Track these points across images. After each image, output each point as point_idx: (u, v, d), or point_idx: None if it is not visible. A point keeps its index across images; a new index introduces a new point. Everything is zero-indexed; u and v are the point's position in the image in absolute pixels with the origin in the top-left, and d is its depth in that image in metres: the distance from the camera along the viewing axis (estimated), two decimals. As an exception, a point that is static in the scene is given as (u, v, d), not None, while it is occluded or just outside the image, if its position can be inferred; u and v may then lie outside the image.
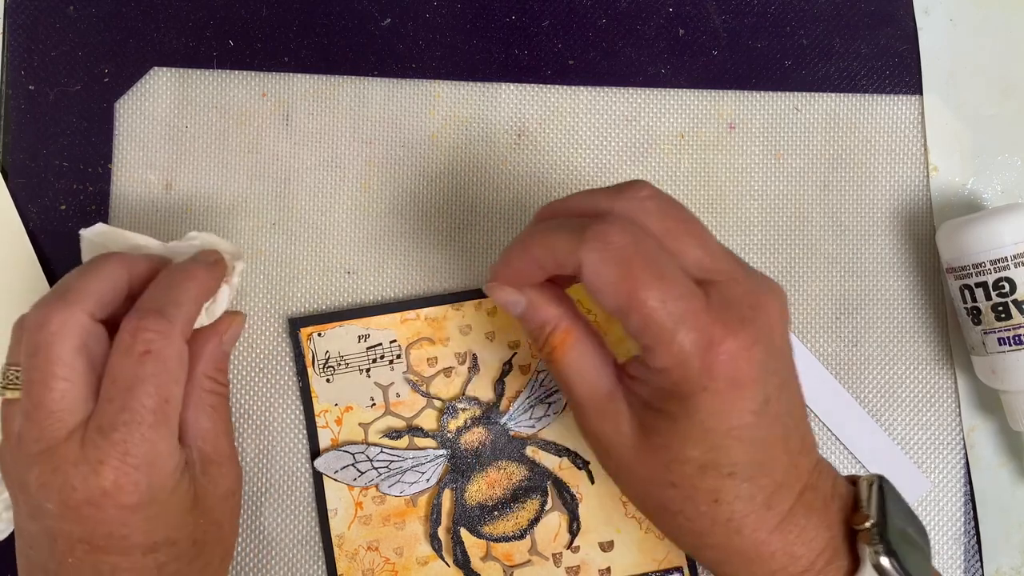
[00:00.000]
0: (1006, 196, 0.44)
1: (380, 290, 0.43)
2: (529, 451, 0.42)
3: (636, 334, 0.30)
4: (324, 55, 0.44)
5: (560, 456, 0.42)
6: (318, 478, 0.42)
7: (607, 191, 0.32)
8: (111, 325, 0.33)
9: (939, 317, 0.44)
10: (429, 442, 0.42)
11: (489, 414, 0.42)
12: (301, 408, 0.42)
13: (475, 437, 0.42)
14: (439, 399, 0.42)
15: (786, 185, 0.44)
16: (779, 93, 0.44)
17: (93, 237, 0.38)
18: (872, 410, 0.43)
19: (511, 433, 0.42)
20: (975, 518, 0.43)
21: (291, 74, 0.44)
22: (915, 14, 0.44)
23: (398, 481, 0.41)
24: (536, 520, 0.42)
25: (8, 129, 0.43)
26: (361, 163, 0.44)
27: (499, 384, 0.42)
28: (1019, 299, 0.38)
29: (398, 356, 0.42)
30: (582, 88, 0.44)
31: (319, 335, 0.42)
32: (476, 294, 0.42)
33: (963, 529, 0.43)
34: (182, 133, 0.43)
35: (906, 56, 0.44)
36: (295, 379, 0.42)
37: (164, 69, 0.44)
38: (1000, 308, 0.39)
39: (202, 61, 0.44)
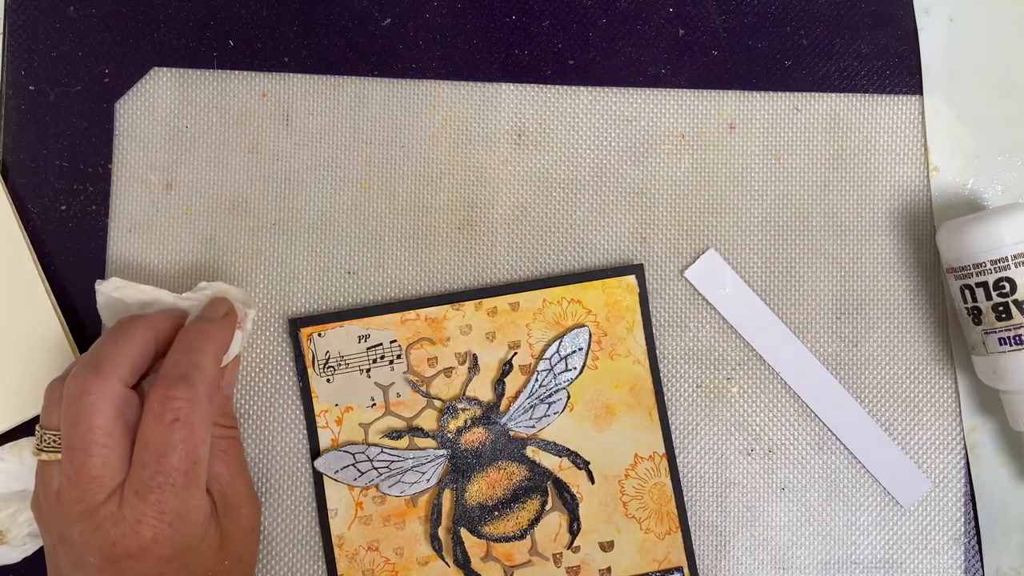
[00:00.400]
0: (1006, 196, 0.44)
1: (380, 290, 0.43)
2: (529, 451, 0.42)
3: None
4: (324, 55, 0.44)
5: (560, 456, 0.42)
6: (318, 478, 0.42)
7: None
8: (140, 386, 0.36)
9: (939, 317, 0.44)
10: (429, 442, 0.42)
11: (489, 414, 0.42)
12: (301, 408, 0.42)
13: (475, 437, 0.42)
14: (439, 399, 0.42)
15: (786, 185, 0.44)
16: (779, 93, 0.44)
17: (109, 292, 0.38)
18: (872, 410, 0.43)
19: (511, 433, 0.42)
20: (975, 518, 0.43)
21: (291, 74, 0.44)
22: (915, 14, 0.44)
23: (398, 481, 0.41)
24: (536, 520, 0.42)
25: (8, 129, 0.43)
26: (361, 163, 0.44)
27: (499, 384, 0.42)
28: (1019, 299, 0.38)
29: (398, 356, 0.42)
30: (582, 88, 0.44)
31: (319, 335, 0.42)
32: (476, 294, 0.42)
33: (963, 529, 0.43)
34: (182, 133, 0.43)
35: (907, 56, 0.44)
36: (295, 379, 0.42)
37: (164, 69, 0.44)
38: (1000, 308, 0.39)
39: (202, 61, 0.44)
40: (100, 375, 0.33)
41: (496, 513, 0.42)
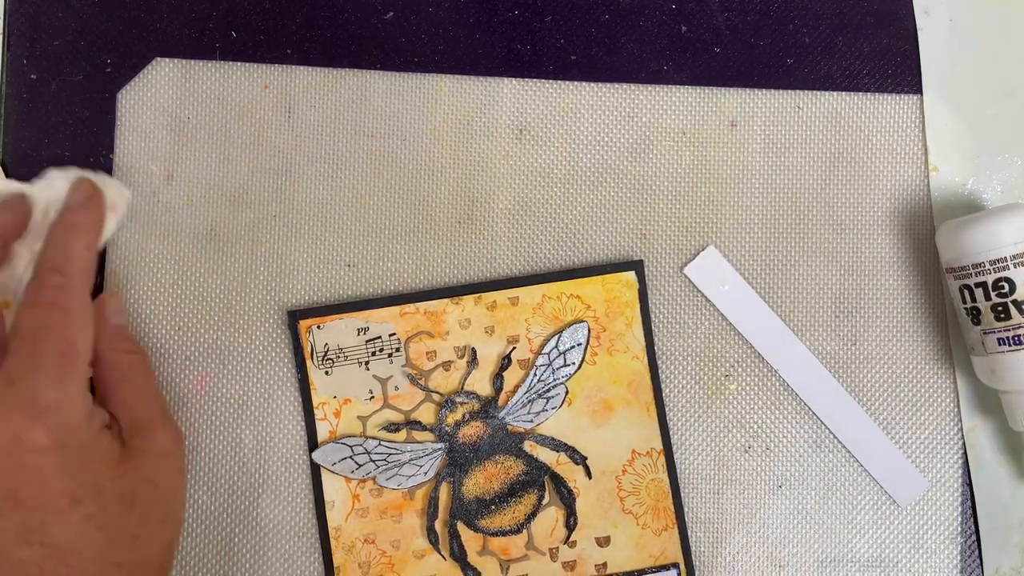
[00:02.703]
0: (1006, 196, 0.44)
1: (380, 283, 0.43)
2: (527, 446, 0.42)
3: None
4: (327, 48, 0.44)
5: (558, 451, 0.42)
6: (316, 470, 0.42)
7: None
8: None
9: (938, 317, 0.44)
10: (427, 436, 0.42)
11: (487, 408, 0.42)
12: (300, 400, 0.42)
13: (473, 431, 0.42)
14: (438, 393, 0.42)
15: (787, 183, 0.44)
16: (781, 91, 0.44)
17: None
18: (870, 409, 0.43)
19: (509, 428, 0.42)
20: (975, 518, 0.43)
21: (294, 67, 0.44)
22: (915, 14, 0.44)
23: (396, 474, 0.41)
24: (533, 515, 0.42)
25: (9, 119, 0.43)
26: (363, 156, 0.44)
27: (497, 379, 0.42)
28: (1019, 299, 0.38)
29: (397, 349, 0.42)
30: (584, 84, 0.44)
31: (318, 327, 0.42)
32: (475, 288, 0.43)
33: (960, 529, 0.43)
34: (184, 124, 0.44)
35: (909, 55, 0.44)
36: (294, 371, 0.42)
37: (167, 60, 0.44)
38: (999, 308, 0.39)
39: (205, 52, 0.44)
40: None
41: (493, 507, 0.42)
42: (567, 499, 0.42)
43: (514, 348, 0.42)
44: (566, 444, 0.42)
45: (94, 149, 0.43)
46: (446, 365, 0.42)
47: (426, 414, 0.42)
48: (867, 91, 0.44)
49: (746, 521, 0.43)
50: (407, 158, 0.44)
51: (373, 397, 0.42)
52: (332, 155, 0.44)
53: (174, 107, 0.44)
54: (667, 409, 0.43)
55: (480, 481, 0.42)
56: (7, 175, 0.43)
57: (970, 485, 0.43)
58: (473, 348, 0.42)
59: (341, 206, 0.43)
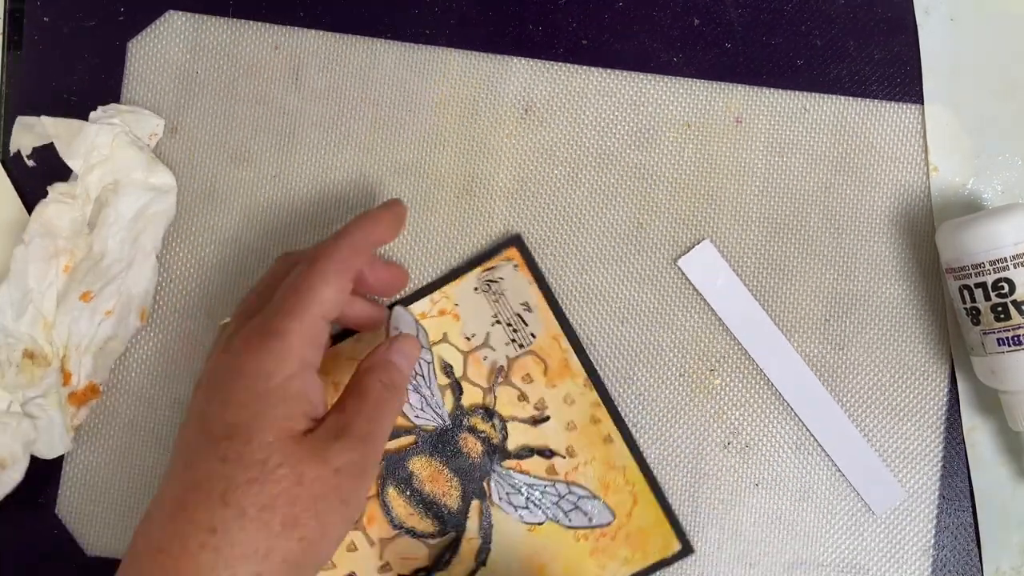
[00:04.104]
0: (1006, 196, 0.44)
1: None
2: (489, 502, 0.42)
3: None
4: (339, 14, 0.44)
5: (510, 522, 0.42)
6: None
7: None
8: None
9: (930, 323, 0.43)
10: (448, 402, 0.42)
11: (495, 447, 0.42)
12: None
13: (470, 444, 0.42)
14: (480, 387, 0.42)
15: (787, 183, 0.44)
16: (788, 91, 0.44)
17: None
18: (853, 414, 0.43)
19: (492, 477, 0.42)
20: (975, 518, 0.43)
21: (305, 29, 0.44)
22: (915, 13, 0.44)
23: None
24: (442, 557, 0.42)
25: (20, 61, 0.44)
26: (367, 124, 0.44)
27: (527, 450, 0.42)
28: (1018, 300, 0.38)
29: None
30: (593, 69, 0.44)
31: None
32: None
33: (933, 541, 0.43)
34: (192, 79, 0.44)
35: (919, 65, 0.44)
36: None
37: (179, 13, 0.44)
38: (999, 309, 0.39)
39: (217, 8, 0.44)
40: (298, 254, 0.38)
41: (415, 500, 0.42)
42: (482, 552, 0.42)
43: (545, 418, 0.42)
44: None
45: (101, 96, 0.43)
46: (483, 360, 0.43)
47: (464, 397, 0.42)
48: (875, 98, 0.44)
49: (720, 517, 0.43)
50: (411, 129, 0.44)
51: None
52: (336, 120, 0.44)
53: (183, 61, 0.44)
54: (648, 398, 0.43)
55: (428, 471, 0.42)
56: (7, 173, 0.43)
57: (970, 485, 0.43)
58: (501, 366, 0.42)
59: (341, 172, 0.43)
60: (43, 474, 0.42)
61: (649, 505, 0.42)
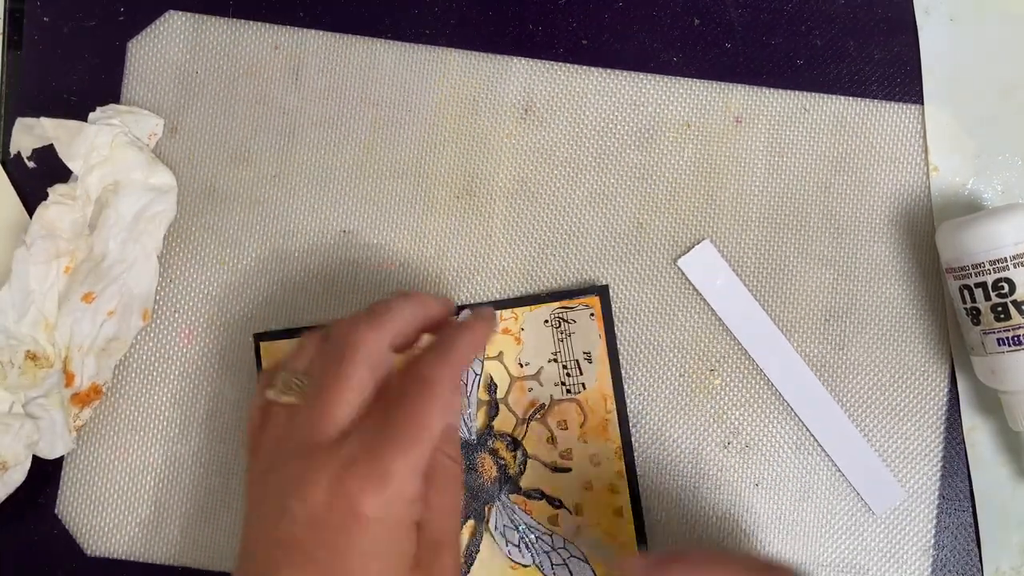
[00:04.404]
0: (1006, 196, 0.44)
1: (373, 251, 0.43)
2: (484, 527, 0.42)
3: None
4: (339, 14, 0.44)
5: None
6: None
7: None
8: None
9: (934, 322, 0.43)
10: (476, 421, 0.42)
11: (509, 475, 0.42)
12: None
13: (487, 465, 0.42)
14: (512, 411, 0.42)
15: (787, 184, 0.44)
16: (788, 91, 0.44)
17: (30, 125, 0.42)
18: (853, 414, 0.43)
19: (496, 505, 0.42)
20: (975, 518, 0.43)
21: (305, 29, 0.44)
22: (915, 14, 0.44)
23: None
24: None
25: (19, 61, 0.44)
26: (367, 124, 0.44)
27: (538, 492, 0.42)
28: (1018, 299, 0.38)
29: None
30: (593, 69, 0.44)
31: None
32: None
33: (933, 542, 0.43)
34: (192, 79, 0.44)
35: (919, 65, 0.44)
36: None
37: (179, 13, 0.44)
38: (999, 308, 0.39)
39: (217, 8, 0.44)
40: (372, 327, 0.34)
41: None
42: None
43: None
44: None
45: (101, 96, 0.43)
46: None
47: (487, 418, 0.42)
48: (875, 98, 0.44)
49: (720, 517, 0.43)
50: (410, 129, 0.44)
51: None
52: (336, 120, 0.44)
53: (183, 60, 0.44)
54: (648, 399, 0.43)
55: None
56: (8, 174, 0.43)
57: (970, 485, 0.43)
58: (542, 403, 0.42)
59: (341, 171, 0.43)
60: (43, 474, 0.42)
61: None
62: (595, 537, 0.42)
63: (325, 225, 0.43)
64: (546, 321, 0.42)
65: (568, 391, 0.42)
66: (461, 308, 0.42)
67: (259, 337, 0.42)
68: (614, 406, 0.42)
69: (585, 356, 0.42)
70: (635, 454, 0.42)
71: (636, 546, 0.42)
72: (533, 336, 0.42)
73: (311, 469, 0.31)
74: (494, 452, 0.42)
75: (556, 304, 0.42)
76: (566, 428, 0.42)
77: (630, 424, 0.43)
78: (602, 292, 0.42)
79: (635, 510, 0.42)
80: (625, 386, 0.43)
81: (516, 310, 0.42)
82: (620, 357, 0.43)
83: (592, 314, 0.42)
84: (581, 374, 0.42)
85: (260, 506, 0.33)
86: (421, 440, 0.32)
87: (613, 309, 0.43)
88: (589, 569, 0.41)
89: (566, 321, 0.42)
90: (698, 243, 0.43)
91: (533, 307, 0.42)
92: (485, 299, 0.43)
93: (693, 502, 0.43)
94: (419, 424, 0.32)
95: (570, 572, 0.41)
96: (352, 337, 0.33)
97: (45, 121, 0.41)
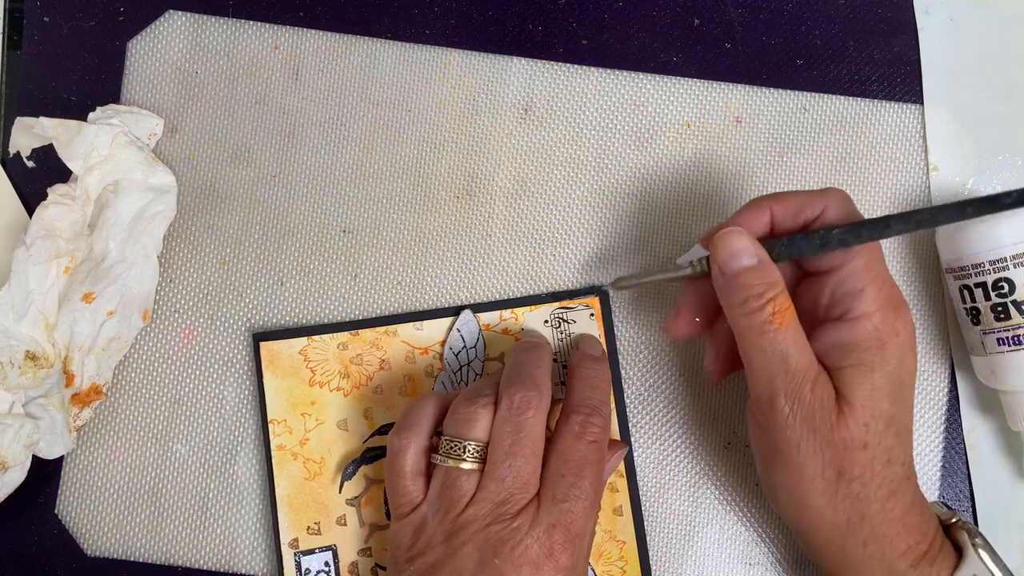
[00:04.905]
0: (1006, 197, 0.44)
1: (374, 251, 0.43)
2: None
3: (849, 281, 0.34)
4: (339, 13, 0.44)
5: None
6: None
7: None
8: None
9: (935, 320, 0.43)
10: None
11: None
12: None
13: None
14: None
15: (787, 183, 0.44)
16: (788, 91, 0.44)
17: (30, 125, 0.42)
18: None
19: None
20: (975, 518, 0.43)
21: (305, 29, 0.44)
22: (915, 14, 0.44)
23: None
24: None
25: (18, 65, 0.44)
26: (367, 124, 0.44)
27: None
28: (1018, 299, 0.38)
29: None
30: (593, 69, 0.44)
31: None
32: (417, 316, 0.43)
33: (933, 541, 0.43)
34: (192, 79, 0.44)
35: (919, 65, 0.44)
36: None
37: (179, 13, 0.44)
38: (999, 308, 0.39)
39: (217, 8, 0.44)
40: (539, 394, 0.36)
41: None
42: None
43: None
44: None
45: (101, 96, 0.43)
46: None
47: None
48: (875, 98, 0.44)
49: (720, 516, 0.43)
50: (410, 129, 0.44)
51: None
52: (336, 120, 0.44)
53: (183, 60, 0.44)
54: (648, 398, 0.43)
55: None
56: (7, 171, 0.43)
57: (970, 485, 0.43)
58: None
59: (341, 171, 0.43)
60: (43, 474, 0.42)
61: None
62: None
63: (325, 225, 0.43)
64: (546, 321, 0.42)
65: None
66: (461, 308, 0.42)
67: (259, 337, 0.42)
68: (614, 406, 0.42)
69: None
70: (635, 454, 0.42)
71: (636, 544, 0.42)
72: (537, 332, 0.42)
73: (517, 535, 0.34)
74: None
75: (556, 304, 0.42)
76: None
77: (630, 424, 0.42)
78: (601, 293, 0.43)
79: (635, 509, 0.42)
80: (625, 386, 0.43)
81: (516, 310, 0.42)
82: (620, 357, 0.43)
83: (592, 314, 0.42)
84: None
85: (458, 563, 0.34)
86: (597, 500, 0.36)
87: (613, 309, 0.43)
88: (589, 568, 0.41)
89: (566, 321, 0.42)
90: (697, 242, 0.43)
91: (533, 307, 0.42)
92: (485, 299, 0.43)
93: (693, 502, 0.43)
94: (594, 485, 0.35)
95: None
96: (525, 405, 0.36)
97: (44, 120, 0.41)
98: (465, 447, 0.36)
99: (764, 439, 0.36)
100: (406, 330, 0.42)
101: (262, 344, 0.42)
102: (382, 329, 0.42)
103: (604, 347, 0.42)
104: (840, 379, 0.34)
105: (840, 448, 0.33)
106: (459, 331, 0.42)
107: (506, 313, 0.42)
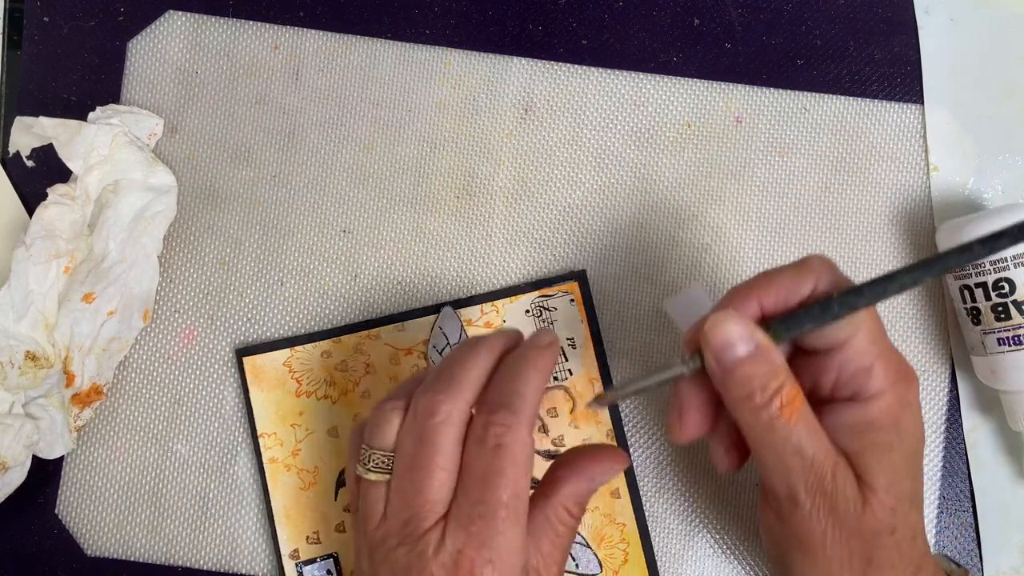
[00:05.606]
0: (1006, 196, 0.44)
1: (374, 251, 0.43)
2: None
3: (856, 359, 0.32)
4: (339, 13, 0.44)
5: None
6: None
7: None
8: None
9: (935, 320, 0.43)
10: None
11: None
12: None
13: None
14: None
15: (787, 183, 0.44)
16: (788, 91, 0.44)
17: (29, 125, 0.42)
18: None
19: None
20: (975, 518, 0.43)
21: (305, 29, 0.44)
22: (915, 14, 0.44)
23: None
24: None
25: (18, 66, 0.44)
26: (367, 124, 0.44)
27: (533, 480, 0.41)
28: (1018, 299, 0.38)
29: None
30: (593, 69, 0.44)
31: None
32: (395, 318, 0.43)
33: (933, 542, 0.43)
34: (192, 79, 0.44)
35: (919, 65, 0.44)
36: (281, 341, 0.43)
37: (179, 13, 0.44)
38: (1000, 308, 0.39)
39: (217, 8, 0.44)
40: (451, 396, 0.32)
41: None
42: None
43: None
44: None
45: (101, 96, 0.43)
46: None
47: None
48: (875, 98, 0.44)
49: (720, 517, 0.43)
50: (411, 129, 0.44)
51: None
52: (336, 120, 0.44)
53: (183, 60, 0.44)
54: (648, 398, 0.43)
55: None
56: (7, 171, 0.43)
57: (970, 485, 0.43)
58: None
59: (342, 171, 0.43)
60: (43, 474, 0.42)
61: (637, 567, 0.42)
62: (592, 523, 0.41)
63: (325, 225, 0.43)
64: (527, 311, 0.42)
65: (555, 379, 0.42)
66: (442, 306, 0.42)
67: (242, 352, 0.42)
68: (601, 390, 0.42)
69: (569, 342, 0.42)
70: (627, 436, 0.42)
71: (636, 526, 0.42)
72: (516, 327, 0.42)
73: (420, 557, 0.31)
74: None
75: (536, 293, 0.42)
76: (556, 415, 0.42)
77: (622, 417, 0.42)
78: (580, 277, 0.43)
79: (631, 486, 0.42)
80: (613, 375, 0.43)
81: (496, 303, 0.42)
82: (605, 343, 0.43)
83: (572, 300, 0.42)
84: (567, 360, 0.42)
85: None
86: (513, 511, 0.31)
87: (593, 292, 0.42)
88: (591, 553, 0.41)
89: (547, 309, 0.42)
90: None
91: (513, 298, 0.42)
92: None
93: (693, 502, 0.43)
94: (506, 495, 0.31)
95: (573, 558, 0.41)
96: (430, 411, 0.32)
97: (44, 120, 0.41)
98: (370, 456, 0.32)
99: (782, 530, 0.33)
100: (388, 332, 0.42)
101: (245, 359, 0.42)
102: (364, 333, 0.42)
103: (580, 336, 0.39)
104: (858, 463, 0.31)
105: (868, 536, 0.31)
106: (441, 328, 0.42)
107: (487, 307, 0.42)
